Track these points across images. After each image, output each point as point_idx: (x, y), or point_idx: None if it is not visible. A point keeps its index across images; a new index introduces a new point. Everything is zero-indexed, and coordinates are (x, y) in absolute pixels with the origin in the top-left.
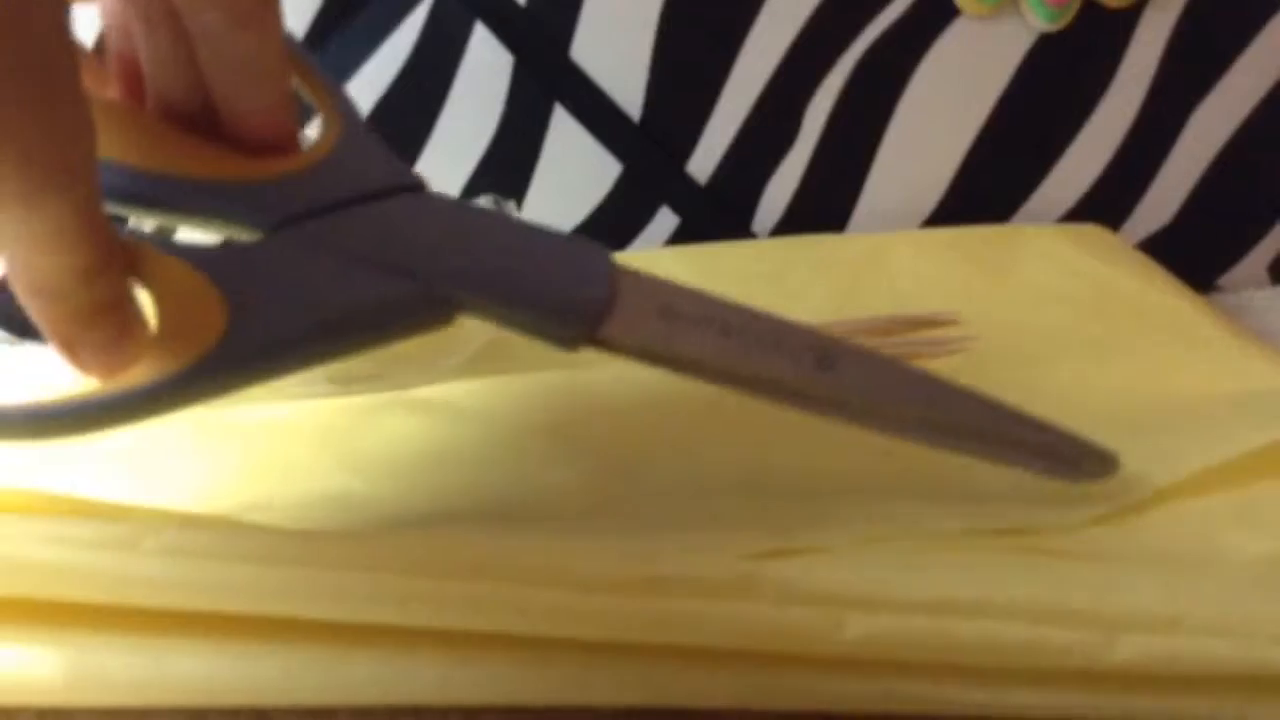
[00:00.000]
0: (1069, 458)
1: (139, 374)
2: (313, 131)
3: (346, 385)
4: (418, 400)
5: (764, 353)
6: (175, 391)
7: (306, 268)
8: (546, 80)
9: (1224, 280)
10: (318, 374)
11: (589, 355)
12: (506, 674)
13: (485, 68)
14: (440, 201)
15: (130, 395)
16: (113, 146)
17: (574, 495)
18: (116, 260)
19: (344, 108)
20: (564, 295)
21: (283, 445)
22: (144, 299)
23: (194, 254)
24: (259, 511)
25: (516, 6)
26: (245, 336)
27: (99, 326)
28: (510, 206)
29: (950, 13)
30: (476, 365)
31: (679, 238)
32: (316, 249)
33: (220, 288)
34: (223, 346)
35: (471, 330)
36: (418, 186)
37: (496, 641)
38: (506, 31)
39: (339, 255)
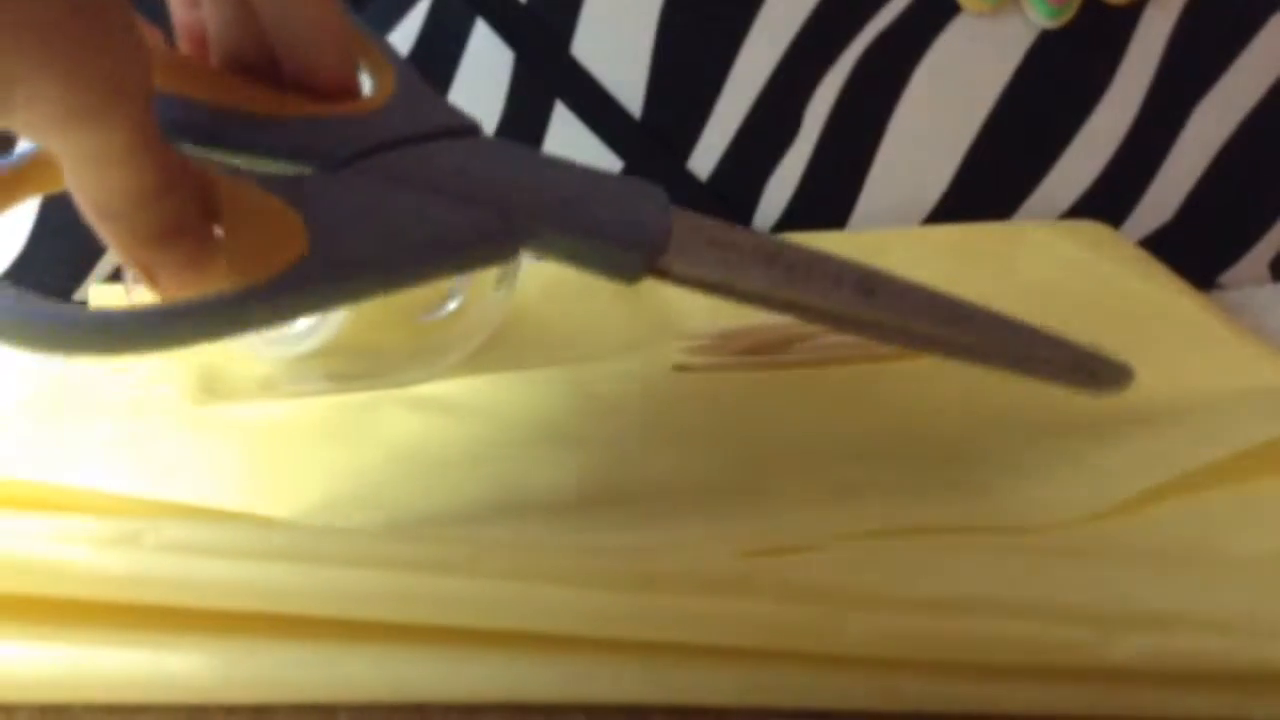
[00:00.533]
0: (1087, 369)
1: (219, 286)
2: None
3: (345, 383)
4: (417, 397)
5: (810, 279)
6: (253, 304)
7: (383, 195)
8: (547, 77)
9: (1225, 277)
10: (316, 371)
11: (588, 354)
12: (507, 671)
13: (486, 64)
14: (504, 142)
15: (211, 304)
16: (176, 83)
17: (572, 491)
18: (182, 182)
19: (395, 61)
20: (629, 224)
21: (283, 442)
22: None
23: (271, 181)
24: (259, 508)
25: (517, 3)
26: (327, 255)
27: (170, 248)
28: None
29: (951, 10)
30: (475, 364)
31: None
32: (390, 179)
33: (300, 211)
34: (305, 263)
35: (470, 329)
36: (477, 130)
37: (497, 638)
38: (507, 28)
39: (413, 184)
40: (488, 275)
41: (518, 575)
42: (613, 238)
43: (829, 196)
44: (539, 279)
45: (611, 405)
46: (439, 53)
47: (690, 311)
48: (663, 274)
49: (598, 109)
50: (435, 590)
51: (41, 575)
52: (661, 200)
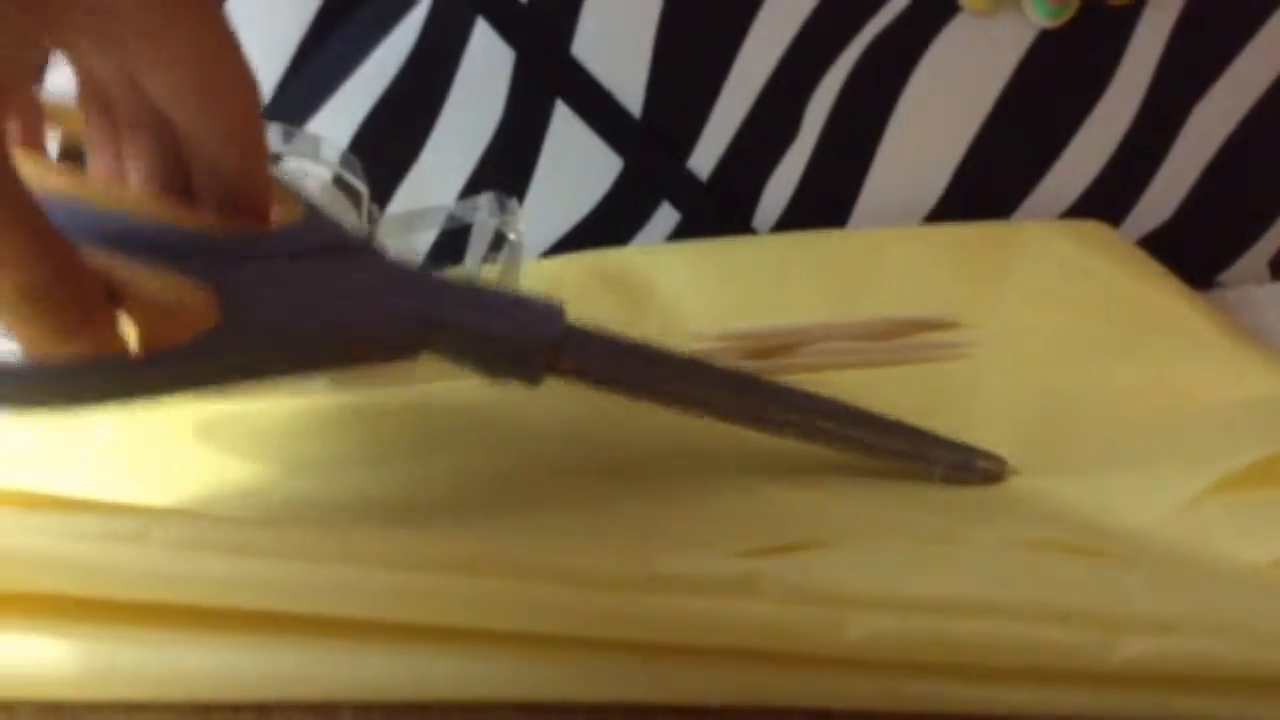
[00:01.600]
0: (962, 462)
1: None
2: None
3: (347, 385)
4: (420, 397)
5: (690, 379)
6: (158, 368)
7: (293, 283)
8: (547, 77)
9: (1225, 276)
10: None
11: None
12: (509, 671)
13: (486, 64)
14: (409, 260)
15: (112, 363)
16: (75, 188)
17: (576, 489)
18: (72, 277)
19: (302, 195)
20: (528, 326)
21: (285, 441)
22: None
23: (184, 264)
24: (261, 508)
25: (518, 3)
26: (237, 326)
27: (73, 340)
28: (513, 204)
29: (951, 9)
30: None
31: (680, 234)
32: (300, 276)
33: (213, 289)
34: (215, 332)
35: None
36: (382, 249)
37: (500, 639)
38: (507, 28)
39: (322, 282)
40: (490, 273)
41: (521, 575)
42: (514, 337)
43: (829, 195)
44: (541, 280)
45: (613, 405)
46: (439, 52)
47: (693, 313)
48: (562, 373)
49: (598, 108)
50: (437, 588)
51: (47, 571)
52: (556, 309)
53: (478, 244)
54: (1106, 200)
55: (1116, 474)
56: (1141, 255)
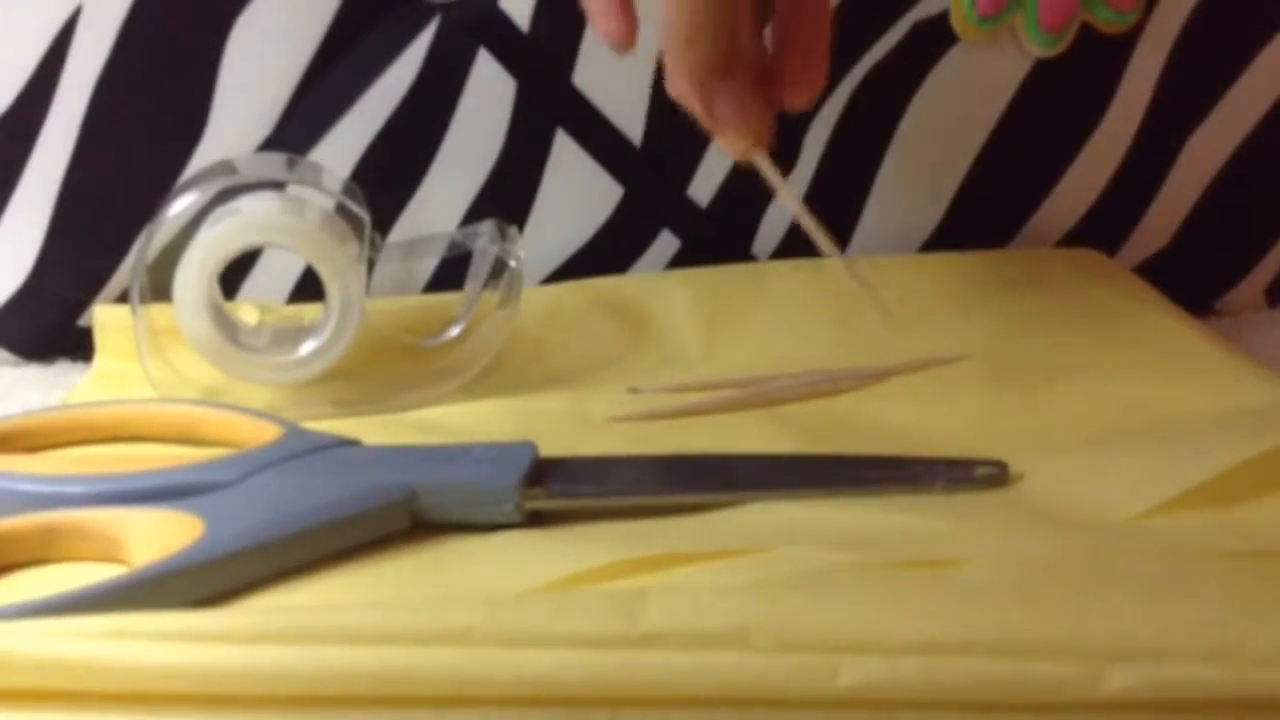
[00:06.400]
0: (960, 475)
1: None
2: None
3: (349, 408)
4: (418, 421)
5: (679, 481)
6: (149, 583)
7: (276, 484)
8: (548, 106)
9: (1221, 304)
10: (320, 397)
11: (584, 385)
12: None
13: (488, 93)
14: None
15: (112, 587)
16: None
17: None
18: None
19: (280, 421)
20: (504, 468)
21: None
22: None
23: (174, 501)
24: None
25: (519, 33)
26: (220, 532)
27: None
28: (513, 231)
29: (948, 39)
30: (475, 389)
31: (680, 261)
32: (285, 475)
33: (199, 515)
34: (199, 541)
35: (473, 353)
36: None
37: (499, 701)
38: (509, 58)
39: (305, 476)
40: (491, 297)
41: (514, 643)
42: (490, 480)
43: (827, 223)
44: (541, 307)
45: (607, 432)
46: (442, 81)
47: (693, 340)
48: (540, 510)
49: (599, 137)
50: (430, 662)
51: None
52: (529, 449)
53: (478, 271)
54: (1103, 228)
55: (1110, 471)
56: (1137, 281)
